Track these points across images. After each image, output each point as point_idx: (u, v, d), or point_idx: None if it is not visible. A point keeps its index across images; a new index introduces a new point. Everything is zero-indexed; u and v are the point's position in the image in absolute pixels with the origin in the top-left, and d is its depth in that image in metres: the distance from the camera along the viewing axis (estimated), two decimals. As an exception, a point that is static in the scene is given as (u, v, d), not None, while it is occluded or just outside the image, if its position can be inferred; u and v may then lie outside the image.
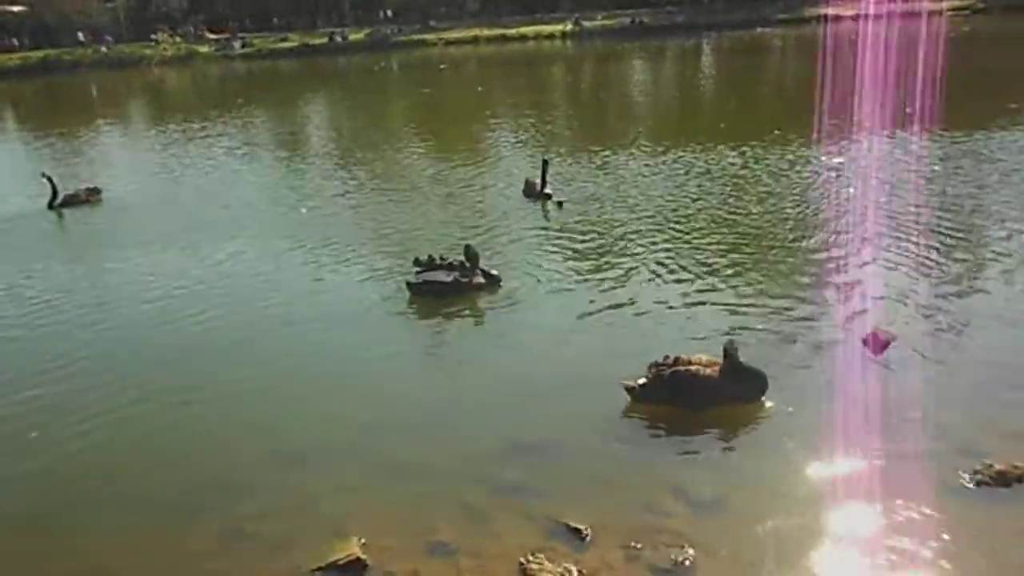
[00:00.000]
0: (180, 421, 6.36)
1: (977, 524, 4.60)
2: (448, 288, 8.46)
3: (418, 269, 8.64)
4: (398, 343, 7.70)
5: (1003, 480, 4.84)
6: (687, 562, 4.41)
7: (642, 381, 6.02)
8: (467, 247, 8.23)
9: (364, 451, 5.77)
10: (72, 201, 13.98)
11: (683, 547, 4.51)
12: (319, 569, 4.53)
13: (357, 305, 8.56)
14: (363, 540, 4.72)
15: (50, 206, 13.79)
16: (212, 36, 58.54)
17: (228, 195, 14.38)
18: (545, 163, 12.39)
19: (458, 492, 5.17)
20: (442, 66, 39.76)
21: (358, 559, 4.55)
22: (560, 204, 11.85)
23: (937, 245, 9.03)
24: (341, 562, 4.54)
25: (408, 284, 8.62)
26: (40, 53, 54.95)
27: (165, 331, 8.16)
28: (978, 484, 4.87)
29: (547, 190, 12.16)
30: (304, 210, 12.80)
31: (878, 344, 6.66)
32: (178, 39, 57.81)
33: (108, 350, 7.73)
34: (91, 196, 14.29)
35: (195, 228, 11.88)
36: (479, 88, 29.66)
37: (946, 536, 4.49)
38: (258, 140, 21.23)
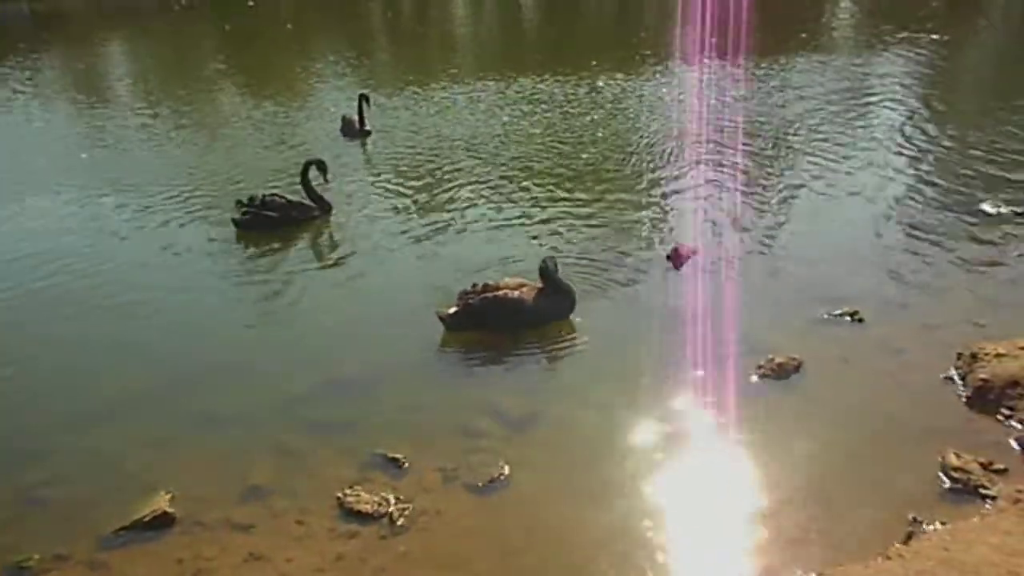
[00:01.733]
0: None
1: (762, 413, 5.02)
2: (278, 221, 8.34)
3: (244, 210, 8.38)
4: (210, 286, 7.36)
5: (782, 372, 5.31)
6: (502, 477, 4.54)
7: (453, 310, 6.09)
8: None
9: (173, 401, 5.49)
10: None
11: (499, 464, 4.63)
12: (123, 529, 4.29)
13: (167, 250, 8.09)
14: (171, 494, 4.50)
15: None
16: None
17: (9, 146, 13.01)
18: (363, 98, 12.04)
19: (272, 435, 5.04)
20: (250, 3, 37.44)
21: (165, 513, 4.34)
22: (367, 135, 11.73)
23: (747, 166, 9.65)
24: (147, 519, 4.32)
25: (234, 220, 8.37)
26: None
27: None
28: (762, 377, 5.31)
29: (367, 127, 11.87)
30: (84, 155, 11.87)
31: (680, 258, 7.06)
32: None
33: None
34: None
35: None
36: (288, 26, 28.22)
37: (736, 428, 4.89)
38: (46, 86, 19.26)
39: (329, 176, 8.86)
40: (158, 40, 28.53)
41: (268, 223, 8.34)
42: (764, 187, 9.01)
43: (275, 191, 8.78)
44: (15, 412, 5.51)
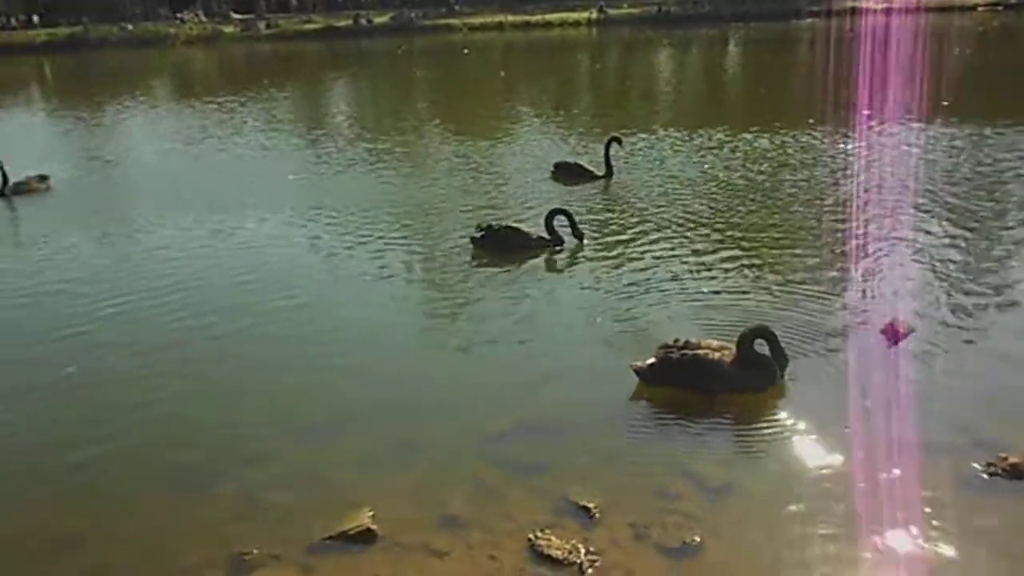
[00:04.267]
0: (196, 393, 6.43)
1: (988, 516, 4.57)
2: (515, 243, 9.09)
3: (481, 233, 9.22)
4: (421, 311, 7.85)
5: (1017, 473, 4.81)
6: (695, 542, 4.42)
7: (651, 362, 6.05)
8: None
9: (375, 426, 5.82)
10: (20, 190, 13.33)
11: (692, 528, 4.52)
12: (330, 538, 4.58)
13: (378, 273, 8.76)
14: (374, 512, 4.76)
15: (0, 193, 13.27)
16: (237, 16, 58.82)
17: (244, 171, 14.57)
18: (614, 140, 12.41)
19: (468, 469, 5.21)
20: (465, 51, 39.70)
21: (368, 530, 4.60)
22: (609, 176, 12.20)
23: (960, 235, 8.99)
24: (351, 532, 4.59)
25: (472, 239, 9.23)
26: (67, 30, 55.50)
27: (177, 306, 8.20)
28: (991, 475, 4.84)
29: (612, 168, 12.29)
30: (292, 176, 13.39)
31: (895, 334, 6.63)
32: (203, 19, 58.14)
33: (125, 322, 7.84)
34: (39, 184, 13.55)
35: (215, 204, 11.99)
36: (502, 73, 29.58)
37: (956, 527, 4.48)
38: (279, 119, 21.41)
39: (580, 227, 9.31)
40: (377, 80, 30.91)
41: (500, 245, 9.06)
42: (986, 258, 8.31)
43: (510, 223, 9.52)
44: (244, 418, 6.05)
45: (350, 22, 54.41)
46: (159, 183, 14.12)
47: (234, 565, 4.44)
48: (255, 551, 4.51)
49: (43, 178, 13.81)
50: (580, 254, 9.14)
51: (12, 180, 13.35)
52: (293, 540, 4.60)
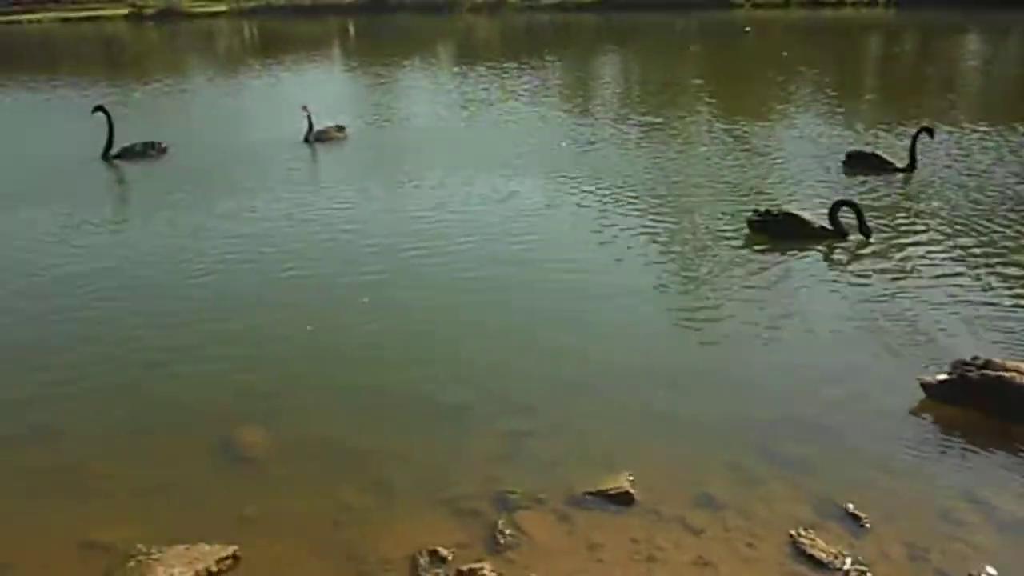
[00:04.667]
0: (472, 336, 6.88)
1: None
2: (795, 231, 8.70)
3: (759, 218, 8.94)
4: (684, 295, 7.75)
5: None
6: (982, 576, 4.04)
7: (942, 378, 5.53)
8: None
9: (636, 393, 5.88)
10: (321, 137, 14.89)
11: (979, 561, 4.12)
12: (589, 493, 4.73)
13: (644, 248, 8.81)
14: (632, 477, 4.84)
15: (304, 140, 14.80)
16: (522, -13, 60.85)
17: (518, 135, 15.15)
18: (925, 131, 11.41)
19: (729, 451, 5.13)
20: (747, 29, 38.13)
21: (627, 492, 4.69)
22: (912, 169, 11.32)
23: None
24: (610, 492, 4.71)
25: (749, 222, 8.98)
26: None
27: (453, 256, 8.73)
28: None
29: (915, 161, 11.39)
30: (564, 144, 13.88)
31: None
32: (490, -13, 60.77)
33: (413, 265, 8.53)
34: (338, 133, 15.14)
35: (490, 165, 12.61)
36: (784, 53, 28.08)
37: None
38: (555, 88, 21.97)
39: (867, 224, 8.74)
40: (652, 54, 30.64)
41: (779, 232, 8.74)
42: None
43: (790, 209, 9.11)
44: (513, 367, 6.38)
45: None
46: (439, 141, 15.11)
47: (499, 500, 4.72)
48: (518, 492, 4.77)
49: (340, 128, 15.40)
50: (864, 250, 8.52)
51: (316, 128, 15.01)
52: (554, 489, 4.80)
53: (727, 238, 8.98)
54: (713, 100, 18.93)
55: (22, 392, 6.15)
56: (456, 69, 26.72)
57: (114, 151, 14.45)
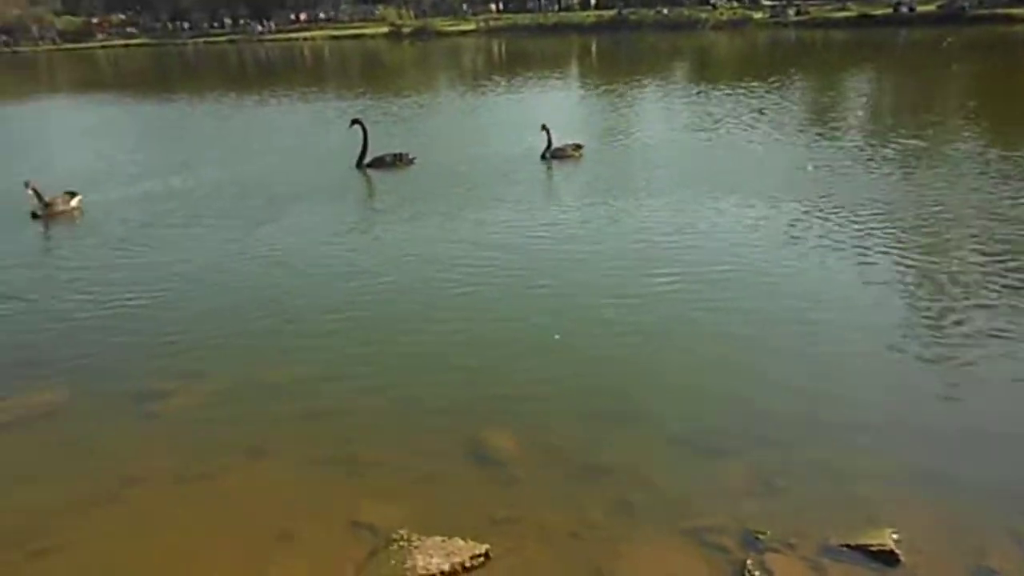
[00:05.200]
0: (712, 369, 6.71)
1: None
2: None
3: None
4: (953, 338, 7.05)
5: None
6: None
7: None
8: None
9: (899, 443, 5.46)
10: (557, 155, 15.29)
11: None
12: (846, 546, 4.45)
13: (887, 282, 8.19)
14: (895, 534, 4.48)
15: (542, 156, 15.31)
16: (767, 3, 58.99)
17: (755, 157, 14.64)
18: None
19: (1012, 518, 4.60)
20: (948, 40, 34.25)
21: (892, 552, 4.35)
22: None
23: None
24: (872, 547, 4.40)
25: None
26: (611, 12, 61.65)
27: (665, 274, 8.62)
28: None
29: None
30: (809, 168, 13.15)
31: None
32: (734, 4, 59.50)
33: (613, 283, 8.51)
34: (574, 152, 15.43)
35: (722, 185, 12.28)
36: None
37: None
38: (800, 107, 21.00)
39: None
40: (908, 72, 28.35)
41: None
42: None
43: None
44: (757, 396, 6.16)
45: (888, 10, 50.77)
46: (678, 162, 14.92)
47: (747, 539, 4.57)
48: (768, 533, 4.59)
49: (578, 147, 15.68)
50: None
51: (554, 145, 15.42)
52: (807, 534, 4.57)
53: (1000, 280, 8.07)
54: (980, 125, 17.16)
55: (308, 372, 6.85)
56: (697, 88, 26.35)
57: (367, 160, 15.80)
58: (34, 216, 12.88)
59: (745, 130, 17.53)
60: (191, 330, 7.92)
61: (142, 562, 4.62)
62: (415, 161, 15.79)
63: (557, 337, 7.25)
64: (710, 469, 5.29)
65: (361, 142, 15.85)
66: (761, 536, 4.57)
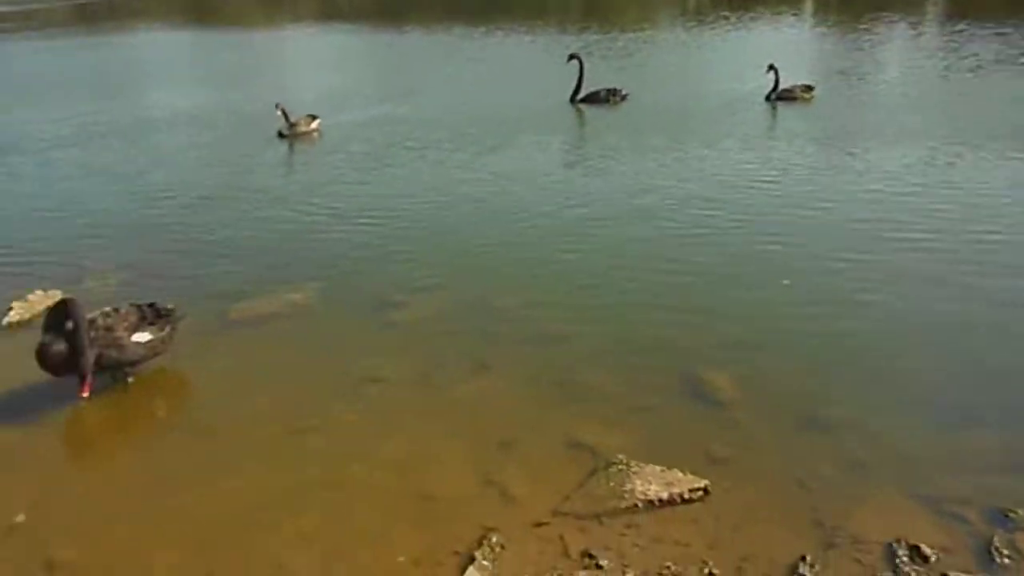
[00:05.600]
0: (960, 330, 6.19)
1: None
2: None
3: None
4: None
5: None
6: None
7: None
8: None
9: None
10: (786, 96, 14.54)
11: None
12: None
13: None
14: None
15: (767, 98, 14.71)
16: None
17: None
18: None
19: None
20: None
21: None
22: None
23: None
24: None
25: None
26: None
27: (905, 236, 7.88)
28: None
29: None
30: None
31: None
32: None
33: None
34: (804, 93, 14.67)
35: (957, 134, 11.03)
36: None
37: None
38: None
39: None
40: None
41: None
42: None
43: None
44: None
45: None
46: (920, 107, 13.73)
47: (994, 515, 4.22)
48: (1020, 512, 4.20)
49: (808, 88, 14.75)
50: None
51: (781, 87, 14.59)
52: (1069, 520, 4.14)
53: None
54: None
55: (532, 297, 7.07)
56: (956, 26, 23.70)
57: (580, 95, 15.78)
58: (280, 135, 14.11)
59: (1015, 78, 15.62)
60: (425, 247, 8.42)
61: (383, 451, 5.03)
62: (628, 97, 15.58)
63: (786, 283, 6.97)
64: (955, 438, 4.90)
65: (577, 76, 15.85)
66: (1012, 515, 4.19)
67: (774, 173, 10.38)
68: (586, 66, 15.91)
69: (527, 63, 22.36)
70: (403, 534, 4.30)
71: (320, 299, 7.29)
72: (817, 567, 3.89)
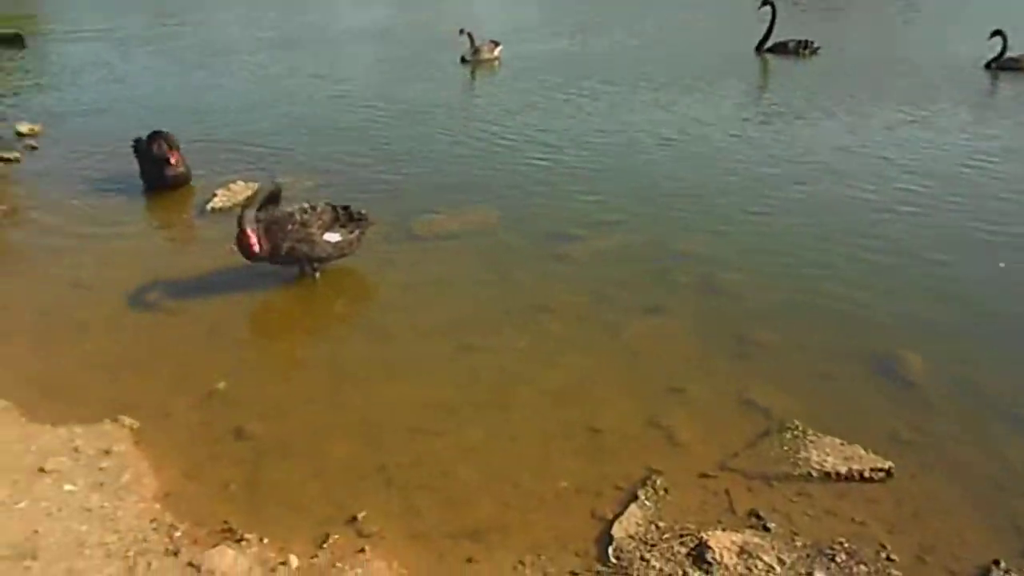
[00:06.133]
0: None
1: None
2: None
3: None
4: None
5: None
6: None
7: None
8: None
9: None
10: (1011, 64, 13.25)
11: None
12: None
13: None
14: None
15: (986, 66, 13.54)
16: None
17: None
18: None
19: None
20: None
21: None
22: None
23: None
24: None
25: None
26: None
27: None
28: None
29: None
30: None
31: None
32: None
33: None
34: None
35: None
36: None
37: None
38: None
39: None
40: None
41: None
42: None
43: None
44: None
45: None
46: None
47: None
48: None
49: None
50: None
51: (1007, 55, 13.30)
52: None
53: None
54: None
55: (710, 250, 6.84)
56: None
57: (768, 44, 14.90)
58: (463, 60, 14.25)
59: None
60: (606, 184, 8.35)
61: (550, 379, 5.05)
62: (819, 51, 14.58)
63: (1002, 265, 6.36)
64: None
65: (768, 24, 14.98)
66: None
67: (991, 149, 9.44)
68: (780, 15, 15.00)
69: (716, 6, 21.39)
70: (565, 461, 4.32)
71: (499, 222, 7.36)
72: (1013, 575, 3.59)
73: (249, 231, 5.72)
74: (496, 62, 14.31)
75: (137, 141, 8.13)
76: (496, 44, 14.54)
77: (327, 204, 6.24)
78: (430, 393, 4.93)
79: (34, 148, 9.44)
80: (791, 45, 14.62)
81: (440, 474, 4.23)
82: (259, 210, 5.93)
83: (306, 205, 6.14)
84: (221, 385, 4.95)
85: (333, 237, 6.11)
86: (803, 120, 10.78)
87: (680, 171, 8.79)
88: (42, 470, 3.97)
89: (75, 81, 13.26)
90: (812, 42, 14.63)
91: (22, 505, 3.73)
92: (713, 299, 6.07)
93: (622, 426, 4.59)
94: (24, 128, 9.89)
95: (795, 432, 4.47)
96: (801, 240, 7.07)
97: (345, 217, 6.21)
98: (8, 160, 8.84)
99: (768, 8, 15.05)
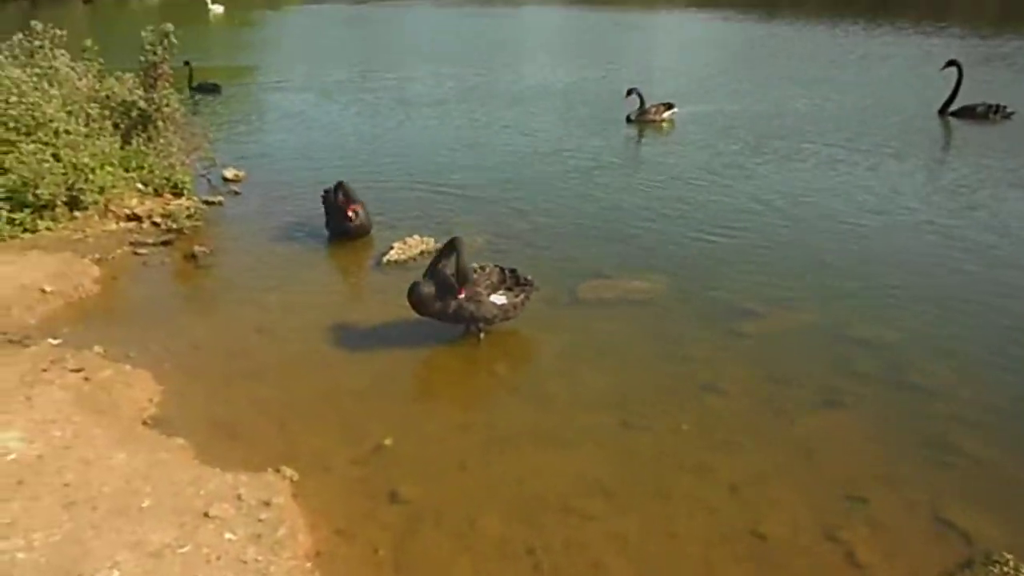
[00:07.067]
0: None
1: None
2: None
3: None
4: None
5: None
6: None
7: None
8: None
9: None
10: None
11: None
12: None
13: None
14: None
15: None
16: None
17: None
18: None
19: None
20: None
21: None
22: None
23: None
24: None
25: None
26: None
27: None
28: None
29: None
30: None
31: None
32: None
33: None
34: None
35: None
36: None
37: None
38: None
39: None
40: None
41: None
42: None
43: None
44: None
45: None
46: None
47: None
48: None
49: None
50: None
51: None
52: None
53: None
54: None
55: (894, 336, 6.26)
56: None
57: (952, 108, 13.75)
58: (628, 120, 14.08)
59: None
60: (779, 259, 7.85)
61: (717, 470, 4.71)
62: (1013, 116, 13.27)
63: None
64: None
65: (952, 86, 13.86)
66: None
67: None
68: (964, 75, 13.86)
69: (896, 66, 20.16)
70: (727, 568, 3.97)
71: (667, 293, 7.08)
72: None
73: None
74: (665, 124, 14.06)
75: (326, 192, 8.57)
76: (668, 107, 14.29)
77: (495, 266, 6.26)
78: (585, 470, 4.73)
79: (237, 193, 10.16)
80: (979, 108, 13.42)
81: (590, 564, 4.01)
82: (439, 264, 6.07)
83: (475, 265, 6.18)
84: (388, 441, 5.00)
85: (499, 299, 6.10)
86: (996, 200, 9.71)
87: (859, 248, 8.11)
88: (207, 515, 4.11)
89: (278, 127, 14.30)
90: (1004, 107, 13.40)
91: (186, 549, 3.86)
92: (903, 394, 5.49)
93: (793, 535, 4.18)
94: (230, 174, 10.68)
95: (1005, 568, 3.88)
96: (1013, 335, 6.29)
97: (512, 280, 6.19)
98: (213, 203, 9.56)
99: (953, 69, 13.96)
